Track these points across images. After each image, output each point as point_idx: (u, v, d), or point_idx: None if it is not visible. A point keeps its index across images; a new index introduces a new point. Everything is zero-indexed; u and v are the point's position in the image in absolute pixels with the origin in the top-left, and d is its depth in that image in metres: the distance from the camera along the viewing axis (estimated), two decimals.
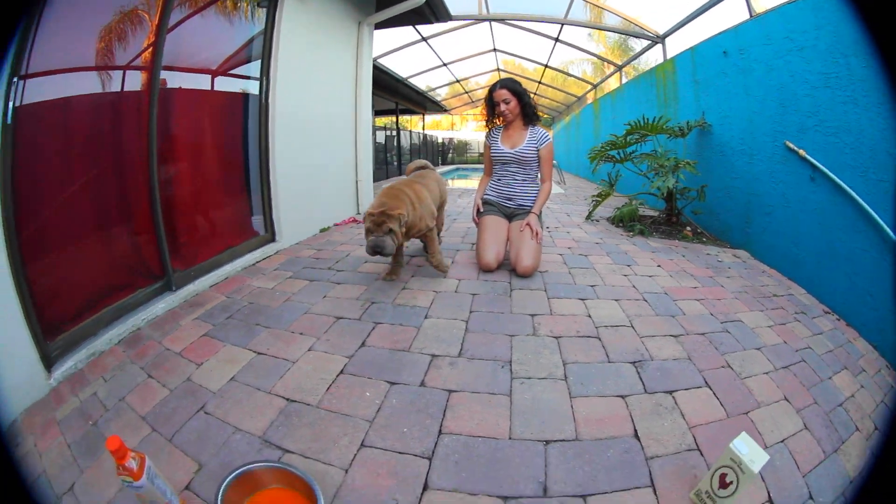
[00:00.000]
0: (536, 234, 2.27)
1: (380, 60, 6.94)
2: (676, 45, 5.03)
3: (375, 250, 1.88)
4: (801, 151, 2.40)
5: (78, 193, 1.79)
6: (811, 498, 1.01)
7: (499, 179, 2.52)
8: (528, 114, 2.40)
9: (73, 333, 1.70)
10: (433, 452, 1.07)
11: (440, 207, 2.53)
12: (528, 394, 1.31)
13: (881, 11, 0.58)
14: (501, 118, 2.41)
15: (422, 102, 11.88)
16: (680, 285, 2.22)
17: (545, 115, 12.93)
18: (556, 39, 7.24)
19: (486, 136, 2.54)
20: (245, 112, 2.76)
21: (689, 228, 3.42)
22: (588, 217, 3.89)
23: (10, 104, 1.38)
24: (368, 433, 1.14)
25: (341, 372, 1.44)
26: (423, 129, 15.27)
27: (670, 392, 1.33)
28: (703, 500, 0.95)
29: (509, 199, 2.49)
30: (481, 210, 2.52)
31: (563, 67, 9.61)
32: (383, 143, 10.18)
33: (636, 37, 6.02)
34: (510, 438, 1.13)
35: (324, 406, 1.27)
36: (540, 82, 10.54)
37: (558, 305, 1.92)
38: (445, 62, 9.25)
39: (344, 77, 3.81)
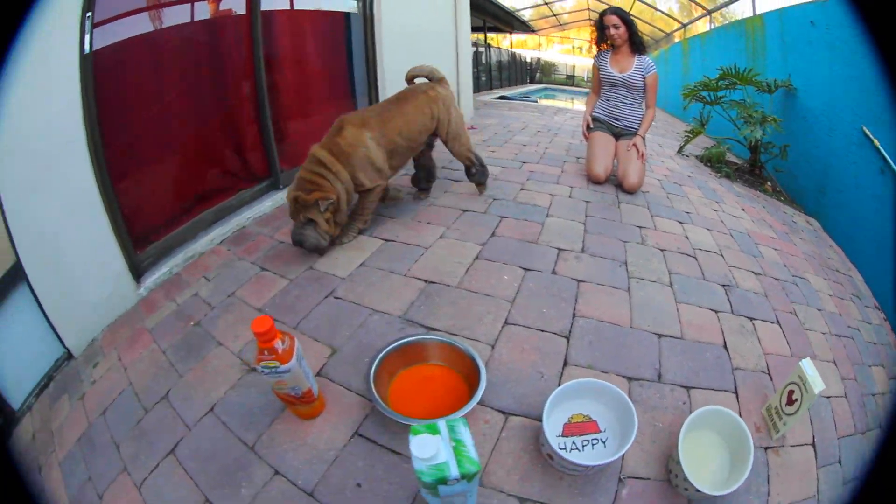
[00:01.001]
0: (642, 154, 2.41)
1: None
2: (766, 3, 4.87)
3: (297, 244, 1.58)
4: (876, 142, 2.37)
5: (174, 106, 1.80)
6: (839, 462, 1.09)
7: (607, 100, 2.59)
8: (636, 42, 2.44)
9: (167, 240, 1.74)
10: (570, 332, 1.26)
11: (451, 138, 1.97)
12: (642, 292, 1.49)
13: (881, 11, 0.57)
14: (610, 42, 2.45)
15: (508, 21, 11.42)
16: (761, 232, 2.31)
17: None
18: None
19: (595, 58, 2.61)
20: (348, 26, 2.87)
21: (769, 183, 3.44)
22: (679, 151, 3.92)
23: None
24: (511, 312, 1.32)
25: (477, 257, 1.61)
26: (511, 46, 14.44)
27: (751, 319, 1.48)
28: (772, 415, 1.10)
29: (617, 119, 2.60)
30: (591, 126, 2.62)
31: (652, 2, 9.36)
32: (473, 58, 9.88)
33: None
34: (630, 327, 1.32)
35: (464, 287, 1.43)
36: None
37: (660, 223, 2.07)
38: None
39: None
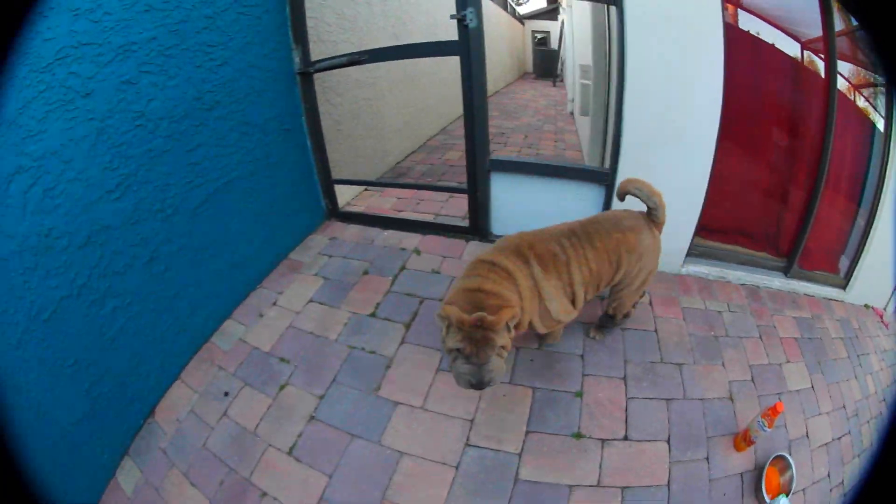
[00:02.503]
0: None
1: None
2: None
3: (477, 385, 1.18)
4: None
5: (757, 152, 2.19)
6: None
7: None
8: None
9: (713, 248, 2.29)
10: None
11: (624, 286, 1.55)
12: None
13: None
14: None
15: None
16: None
17: None
18: None
19: None
20: (873, 133, 2.72)
21: None
22: None
23: None
24: (807, 489, 1.77)
25: (825, 444, 1.99)
26: None
27: None
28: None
29: None
30: None
31: None
32: None
33: None
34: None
35: (812, 452, 1.88)
36: None
37: None
38: None
39: None
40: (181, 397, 1.73)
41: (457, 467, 1.40)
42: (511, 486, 1.36)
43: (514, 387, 1.62)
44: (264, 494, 1.42)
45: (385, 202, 2.53)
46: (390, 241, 2.21)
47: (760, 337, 2.15)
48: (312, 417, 1.57)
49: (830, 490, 1.90)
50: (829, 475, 1.91)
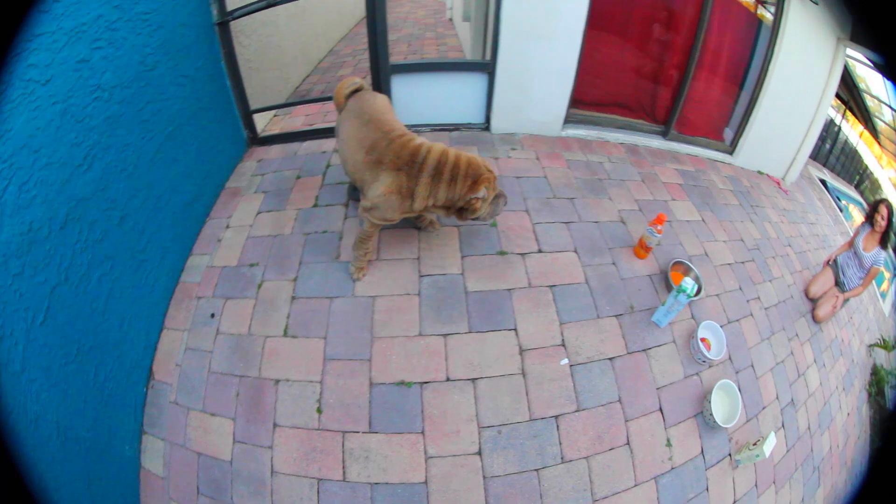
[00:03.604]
0: (835, 307, 3.08)
1: None
2: None
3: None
4: None
5: (631, 32, 2.76)
6: None
7: (847, 257, 3.31)
8: (886, 238, 3.05)
9: (591, 116, 2.85)
10: (728, 323, 2.25)
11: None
12: (764, 349, 2.30)
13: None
14: (873, 222, 3.10)
15: (865, 116, 10.97)
16: (838, 431, 2.72)
17: None
18: None
19: (861, 224, 3.30)
20: (758, 30, 3.45)
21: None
22: (870, 346, 4.15)
23: None
24: (721, 294, 2.30)
25: (728, 264, 2.56)
26: (860, 136, 14.04)
27: (783, 425, 2.12)
28: (745, 446, 1.75)
29: (843, 274, 3.27)
30: (829, 262, 3.40)
31: None
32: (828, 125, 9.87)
33: None
34: (748, 348, 2.19)
35: (716, 268, 2.43)
36: None
37: (805, 346, 2.72)
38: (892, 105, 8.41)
39: (817, 76, 4.03)
40: (172, 342, 1.83)
41: (419, 294, 1.76)
42: (464, 296, 1.74)
43: (443, 228, 2.00)
44: (277, 381, 1.62)
45: (296, 121, 2.79)
46: (311, 148, 2.50)
47: (643, 180, 2.69)
48: (294, 297, 1.83)
49: (748, 301, 2.39)
50: (740, 288, 2.41)
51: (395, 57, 2.44)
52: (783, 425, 2.15)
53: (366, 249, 1.81)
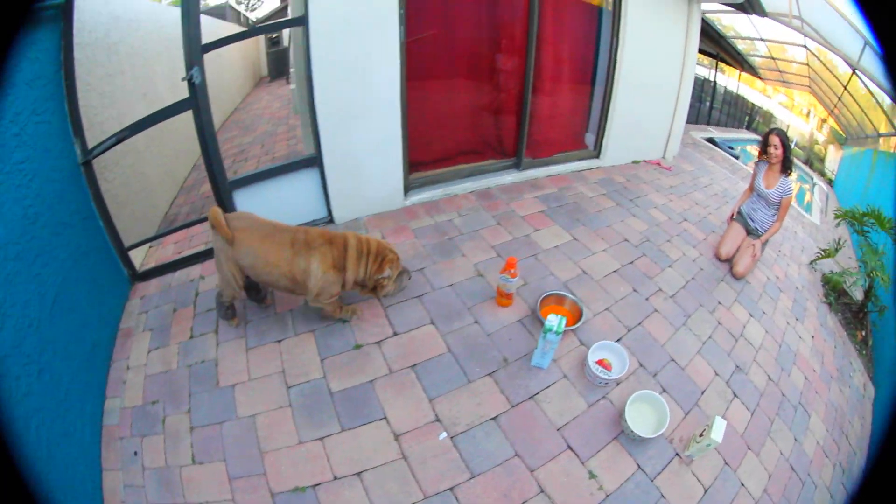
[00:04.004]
0: (755, 255, 3.06)
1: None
2: None
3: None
4: None
5: (457, 78, 2.65)
6: None
7: (752, 202, 3.28)
8: (786, 165, 3.02)
9: (433, 175, 2.74)
10: (630, 329, 2.28)
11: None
12: (682, 335, 2.35)
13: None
14: (768, 157, 3.05)
15: (739, 61, 10.70)
16: (808, 360, 2.73)
17: (842, 133, 11.67)
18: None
19: (755, 164, 3.25)
20: (599, 19, 3.35)
21: (863, 333, 3.63)
22: (811, 263, 4.18)
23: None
24: (612, 306, 2.36)
25: (614, 271, 2.62)
26: (739, 80, 13.55)
27: (735, 394, 2.13)
28: (691, 439, 1.76)
29: (752, 220, 3.28)
30: (734, 216, 3.31)
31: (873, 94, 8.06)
32: (700, 83, 9.47)
33: None
34: (661, 346, 2.23)
35: (599, 282, 2.49)
36: (845, 88, 8.87)
37: (735, 307, 2.76)
38: (762, 37, 8.70)
39: (674, 46, 4.06)
40: (113, 482, 1.90)
41: (290, 405, 1.86)
42: (328, 398, 1.84)
43: (298, 336, 2.08)
44: None
45: (167, 250, 2.88)
46: (182, 278, 2.61)
47: (499, 223, 2.72)
48: (192, 428, 1.96)
49: (647, 299, 2.46)
50: (634, 290, 2.49)
51: (250, 162, 2.50)
52: (735, 395, 2.16)
53: (341, 312, 2.04)
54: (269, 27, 2.24)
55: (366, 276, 1.89)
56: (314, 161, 2.48)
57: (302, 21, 2.16)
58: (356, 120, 2.40)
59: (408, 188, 2.79)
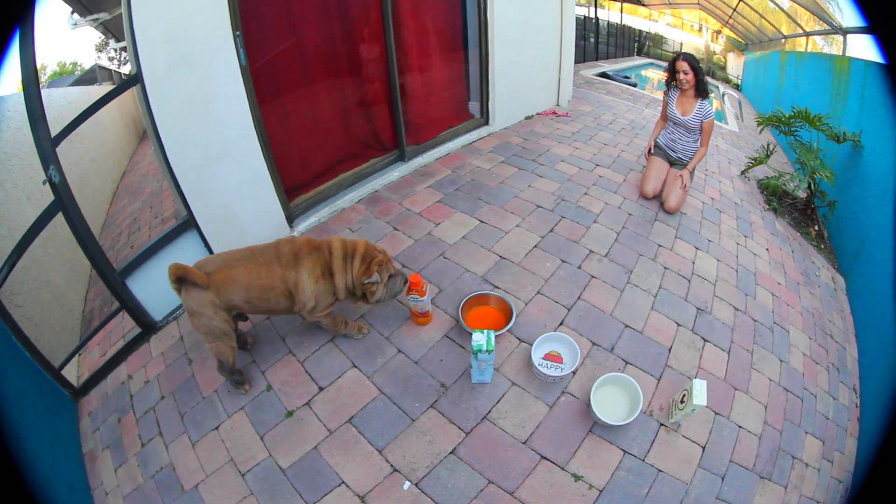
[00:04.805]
0: (685, 185, 2.94)
1: None
2: (859, 46, 4.74)
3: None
4: None
5: (317, 87, 2.35)
6: (722, 478, 1.58)
7: (669, 133, 3.15)
8: (701, 88, 2.89)
9: (315, 195, 2.37)
10: (571, 307, 2.11)
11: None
12: (630, 295, 2.17)
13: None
14: (679, 84, 2.91)
15: None
16: (769, 275, 2.65)
17: (741, 40, 12.06)
18: None
19: (665, 94, 3.11)
20: (464, 2, 3.16)
21: (816, 227, 3.61)
22: (743, 173, 4.09)
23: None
24: (542, 287, 2.18)
25: (535, 246, 2.41)
26: (622, 11, 13.87)
27: (704, 340, 2.02)
28: (672, 405, 1.66)
29: (673, 150, 3.17)
30: (652, 150, 3.21)
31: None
32: (581, 22, 9.51)
33: (820, 19, 5.72)
34: (610, 315, 2.06)
35: (521, 265, 2.29)
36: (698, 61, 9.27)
37: (679, 245, 2.59)
38: None
39: None
40: None
41: (252, 493, 1.69)
42: (282, 477, 1.68)
43: (231, 418, 1.92)
44: None
45: (93, 354, 2.67)
46: (113, 383, 2.45)
47: (395, 228, 2.47)
48: None
49: (579, 267, 2.29)
50: (563, 261, 2.31)
51: (143, 231, 2.39)
52: (705, 340, 2.05)
53: (345, 325, 1.95)
54: (105, 99, 2.07)
55: (353, 281, 1.78)
56: (189, 222, 2.30)
57: (136, 80, 2.02)
58: (215, 164, 2.20)
59: (292, 218, 2.48)
